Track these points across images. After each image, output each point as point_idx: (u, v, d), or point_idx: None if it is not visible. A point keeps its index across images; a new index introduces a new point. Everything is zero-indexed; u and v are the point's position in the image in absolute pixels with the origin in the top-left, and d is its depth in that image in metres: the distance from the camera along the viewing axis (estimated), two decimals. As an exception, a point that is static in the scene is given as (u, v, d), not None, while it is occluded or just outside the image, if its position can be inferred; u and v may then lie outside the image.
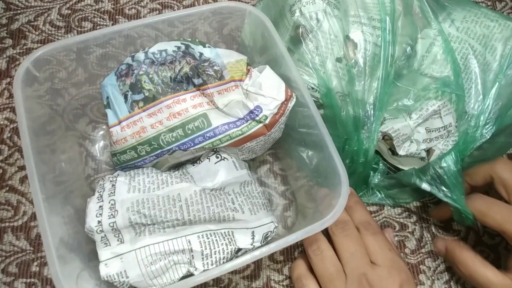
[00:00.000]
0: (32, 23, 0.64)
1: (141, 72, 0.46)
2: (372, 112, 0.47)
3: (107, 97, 0.48)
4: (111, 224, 0.43)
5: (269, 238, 0.47)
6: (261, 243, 0.45)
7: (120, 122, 0.46)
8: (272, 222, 0.47)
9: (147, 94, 0.46)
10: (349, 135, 0.48)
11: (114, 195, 0.45)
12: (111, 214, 0.44)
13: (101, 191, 0.46)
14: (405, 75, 0.49)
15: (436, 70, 0.50)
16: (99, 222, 0.43)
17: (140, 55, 0.47)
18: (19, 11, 0.65)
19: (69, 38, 0.48)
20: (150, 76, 0.46)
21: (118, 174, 0.48)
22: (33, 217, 0.53)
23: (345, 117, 0.47)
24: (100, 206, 0.44)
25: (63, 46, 0.47)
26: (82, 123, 0.57)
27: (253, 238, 0.45)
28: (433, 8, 0.51)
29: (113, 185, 0.46)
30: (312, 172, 0.51)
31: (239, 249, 0.44)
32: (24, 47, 0.63)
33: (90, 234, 0.44)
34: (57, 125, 0.52)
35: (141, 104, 0.46)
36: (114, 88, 0.47)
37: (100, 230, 0.43)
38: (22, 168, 0.55)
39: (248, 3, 0.70)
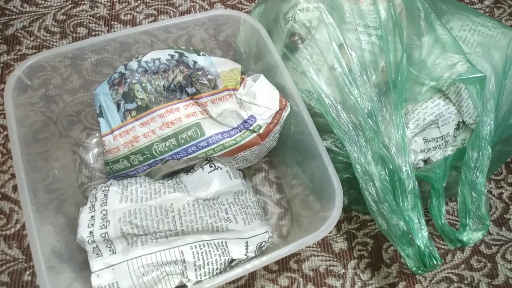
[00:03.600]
0: (27, 29, 0.64)
1: (134, 81, 0.46)
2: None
3: (100, 106, 0.47)
4: (103, 235, 0.43)
5: (263, 248, 0.46)
6: (255, 253, 0.45)
7: (112, 131, 0.46)
8: (267, 232, 0.47)
9: (140, 103, 0.45)
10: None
11: (106, 205, 0.45)
12: (103, 225, 0.43)
13: (93, 201, 0.45)
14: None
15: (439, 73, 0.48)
16: (90, 232, 0.43)
17: (133, 64, 0.47)
18: (14, 17, 0.65)
19: (61, 46, 0.47)
20: (143, 85, 0.46)
21: (111, 183, 0.47)
22: (26, 225, 0.53)
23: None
24: (92, 216, 0.44)
25: (55, 54, 0.47)
26: (76, 130, 0.56)
27: (247, 249, 0.44)
28: (436, 13, 0.51)
29: (105, 194, 0.46)
30: (307, 181, 0.50)
31: (233, 260, 0.43)
32: (19, 53, 0.62)
33: (81, 244, 0.43)
34: (51, 132, 0.51)
35: (133, 113, 0.45)
36: (106, 97, 0.47)
37: (92, 241, 0.42)
38: (14, 176, 0.55)
39: (244, 9, 0.70)
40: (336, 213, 0.41)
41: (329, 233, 0.56)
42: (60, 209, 0.47)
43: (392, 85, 0.47)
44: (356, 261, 0.55)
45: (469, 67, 0.46)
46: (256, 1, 0.71)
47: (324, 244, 0.55)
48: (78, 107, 0.55)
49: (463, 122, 0.49)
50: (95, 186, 0.48)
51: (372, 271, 0.54)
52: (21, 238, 0.52)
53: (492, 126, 0.47)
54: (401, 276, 0.54)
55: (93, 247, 0.42)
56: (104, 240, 0.43)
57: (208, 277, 0.42)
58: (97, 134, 0.57)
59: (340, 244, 0.55)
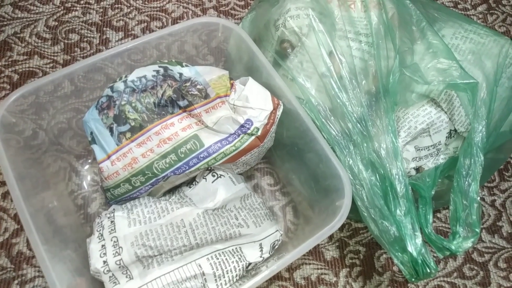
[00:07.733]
0: (18, 35, 0.63)
1: (123, 102, 0.45)
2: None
3: (91, 133, 0.46)
4: (118, 262, 0.41)
5: (276, 247, 0.46)
6: (269, 253, 0.45)
7: (109, 157, 0.45)
8: (278, 230, 0.47)
9: (133, 123, 0.44)
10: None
11: (115, 231, 0.44)
12: (116, 252, 0.42)
13: (100, 230, 0.44)
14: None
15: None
16: (104, 262, 0.42)
17: (120, 85, 0.46)
18: (5, 23, 0.64)
19: (47, 76, 0.47)
20: (133, 104, 0.45)
21: (114, 209, 0.46)
22: (15, 233, 0.52)
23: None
24: (103, 246, 0.43)
25: (38, 87, 0.46)
26: (66, 138, 0.56)
27: (261, 250, 0.44)
28: (428, 20, 0.51)
29: (112, 221, 0.45)
30: (311, 175, 0.50)
31: (250, 263, 0.43)
32: (10, 59, 0.62)
33: (97, 275, 0.42)
34: (41, 139, 0.51)
35: (128, 134, 0.44)
36: (97, 123, 0.45)
37: (107, 270, 0.41)
38: (3, 183, 0.54)
39: (237, 15, 0.70)
40: (347, 202, 0.41)
41: (321, 241, 0.56)
42: (49, 218, 0.46)
43: (383, 90, 0.46)
44: (348, 269, 0.54)
45: (461, 72, 0.45)
46: (249, 7, 0.71)
47: (316, 252, 0.55)
48: (69, 114, 0.54)
49: (455, 130, 0.49)
50: (98, 215, 0.47)
51: (364, 279, 0.54)
52: (9, 247, 0.51)
53: (484, 133, 0.47)
54: (393, 285, 0.54)
55: (109, 276, 0.41)
56: (119, 267, 0.41)
57: (229, 285, 0.41)
58: (87, 142, 0.56)
59: (332, 252, 0.55)
